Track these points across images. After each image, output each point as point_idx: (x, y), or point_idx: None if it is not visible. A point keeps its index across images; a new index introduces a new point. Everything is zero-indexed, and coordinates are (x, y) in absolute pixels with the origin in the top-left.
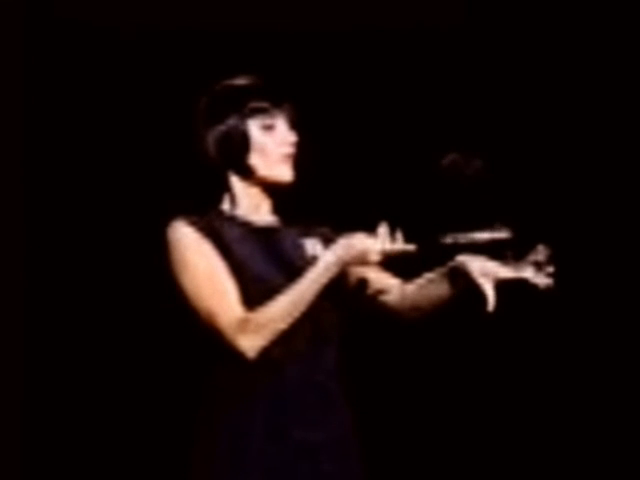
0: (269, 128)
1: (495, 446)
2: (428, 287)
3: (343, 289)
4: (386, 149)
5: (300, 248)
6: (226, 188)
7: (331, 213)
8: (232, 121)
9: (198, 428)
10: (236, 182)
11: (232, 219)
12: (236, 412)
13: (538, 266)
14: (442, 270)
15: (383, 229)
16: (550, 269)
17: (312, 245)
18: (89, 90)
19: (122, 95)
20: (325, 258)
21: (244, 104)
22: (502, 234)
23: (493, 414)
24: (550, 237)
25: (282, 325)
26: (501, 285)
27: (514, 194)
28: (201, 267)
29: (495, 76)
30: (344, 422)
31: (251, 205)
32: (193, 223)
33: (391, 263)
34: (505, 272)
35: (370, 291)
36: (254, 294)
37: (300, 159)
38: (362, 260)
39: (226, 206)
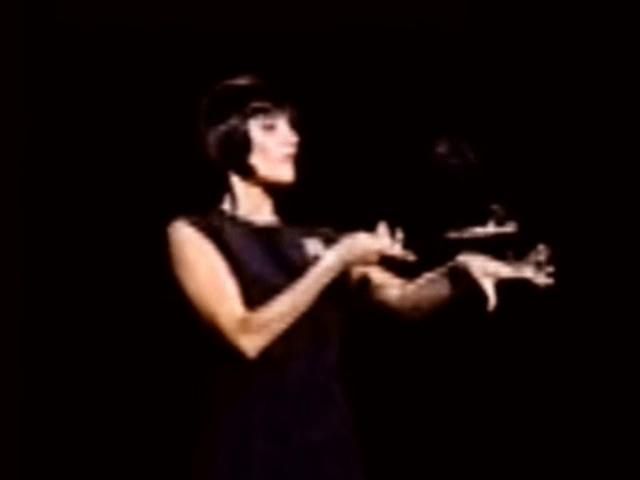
0: (270, 128)
1: (495, 446)
2: (429, 286)
3: (344, 288)
4: (387, 149)
5: (301, 248)
6: (227, 188)
7: (332, 213)
8: (233, 121)
9: (199, 427)
10: (237, 182)
11: (233, 219)
12: (237, 411)
13: (539, 266)
14: (443, 269)
15: (383, 228)
16: (550, 269)
17: (313, 245)
18: (90, 92)
19: (123, 96)
20: (327, 258)
21: (245, 104)
22: (507, 228)
23: (493, 414)
24: (551, 236)
25: (283, 325)
26: (502, 285)
27: (515, 194)
28: (202, 267)
29: (496, 76)
30: (345, 422)
31: (252, 205)
32: (194, 223)
33: (391, 263)
34: (506, 271)
35: (371, 290)
36: (255, 294)
37: (301, 159)
38: (364, 260)
39: (227, 206)
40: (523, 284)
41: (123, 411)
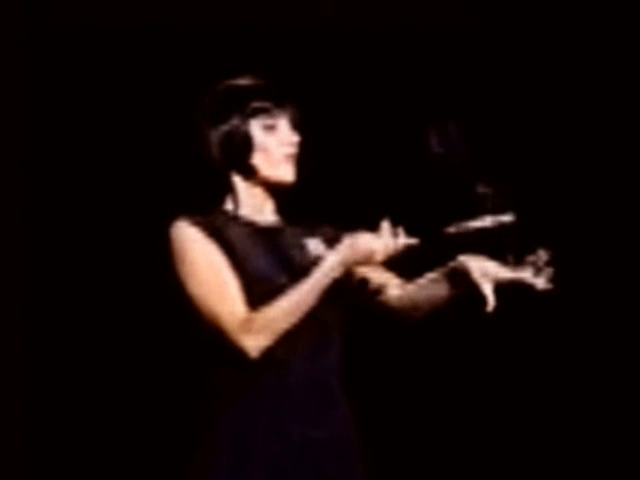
0: (271, 128)
1: (495, 446)
2: (429, 287)
3: (345, 288)
4: (387, 148)
5: (303, 248)
6: (229, 188)
7: (334, 213)
8: (234, 121)
9: (200, 426)
10: (239, 182)
11: (235, 219)
12: (238, 410)
13: (538, 269)
14: (443, 270)
15: (386, 225)
16: (550, 272)
17: (315, 245)
18: (90, 93)
19: (123, 97)
20: (330, 258)
21: (246, 104)
22: (504, 218)
23: (493, 414)
24: (551, 239)
25: (285, 325)
26: (501, 286)
27: (515, 196)
28: (204, 267)
29: (496, 75)
30: (346, 421)
31: (254, 205)
32: (196, 223)
33: (392, 263)
34: (505, 273)
35: (371, 290)
36: (257, 294)
37: (303, 159)
38: (367, 260)
39: (229, 206)
40: (522, 287)
41: (125, 411)
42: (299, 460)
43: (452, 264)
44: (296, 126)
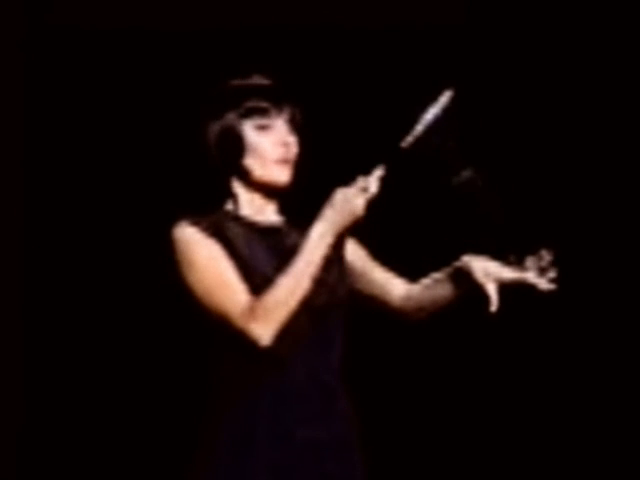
0: (265, 128)
1: (496, 447)
2: (433, 287)
3: (348, 289)
4: (388, 148)
5: None
6: (229, 188)
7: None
8: (228, 121)
9: (202, 425)
10: (237, 182)
11: (236, 219)
12: (241, 410)
13: (541, 270)
14: (446, 270)
15: (360, 178)
16: (553, 273)
17: None
18: (91, 93)
19: (123, 97)
20: (317, 228)
21: (240, 104)
22: (443, 100)
23: (495, 414)
24: (553, 240)
25: (289, 306)
26: (504, 287)
27: (517, 197)
28: (206, 264)
29: (497, 76)
30: (347, 422)
31: (255, 205)
32: (197, 223)
33: (393, 263)
34: (508, 274)
35: (375, 290)
36: (258, 294)
37: (305, 158)
38: (353, 215)
39: (230, 206)
40: (525, 287)
41: (127, 409)
42: (300, 460)
43: (456, 264)
44: (295, 127)
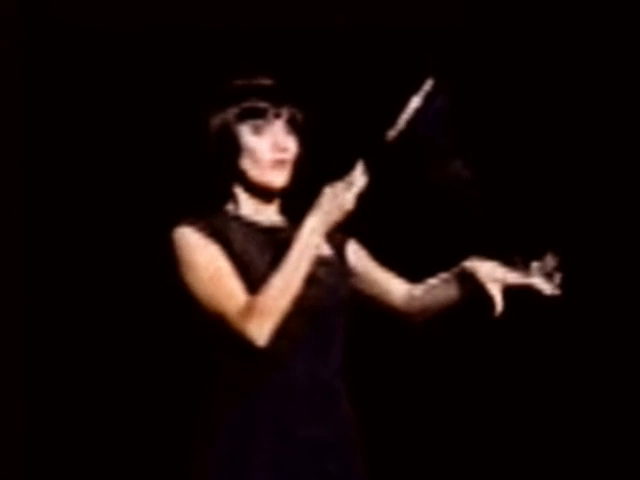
0: (261, 131)
1: (497, 448)
2: (437, 288)
3: (350, 289)
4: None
5: None
6: (229, 188)
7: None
8: (225, 122)
9: (202, 425)
10: (236, 183)
11: (237, 220)
12: (241, 409)
13: (547, 274)
14: (452, 272)
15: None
16: (558, 278)
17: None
18: (91, 92)
19: (123, 96)
20: (307, 225)
21: (239, 104)
22: (426, 89)
23: (495, 416)
24: (559, 245)
25: (284, 302)
26: (508, 290)
27: (524, 202)
28: (208, 268)
29: (498, 76)
30: (348, 421)
31: (255, 205)
32: (197, 224)
33: (395, 264)
34: (513, 278)
35: (377, 291)
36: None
37: (307, 159)
38: (342, 209)
39: (231, 206)
40: (530, 291)
41: (127, 409)
42: (301, 459)
43: (460, 266)
44: (295, 128)
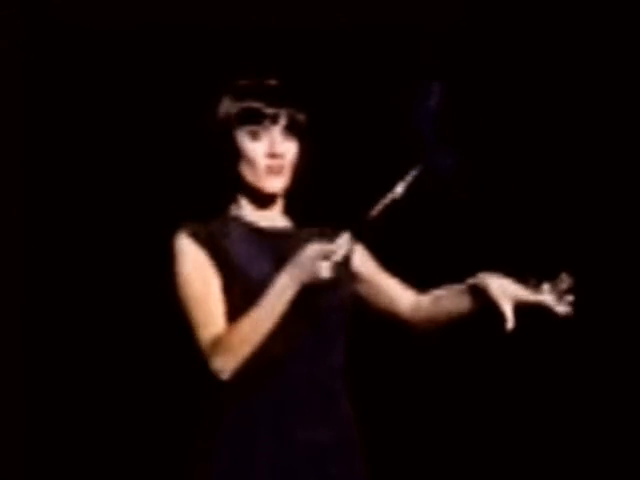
0: (257, 136)
1: (497, 449)
2: (446, 300)
3: (351, 291)
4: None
5: None
6: (231, 191)
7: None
8: (224, 126)
9: (202, 428)
10: (237, 186)
11: (239, 223)
12: (240, 412)
13: (559, 293)
14: (463, 285)
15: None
16: (571, 298)
17: None
18: (91, 91)
19: (124, 95)
20: (280, 280)
21: (239, 107)
22: (413, 174)
23: (496, 417)
24: (571, 264)
25: (249, 347)
26: (520, 307)
27: (537, 221)
28: (191, 282)
29: (499, 77)
30: (348, 423)
31: (256, 208)
32: (194, 233)
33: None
34: (525, 295)
35: (384, 300)
36: (254, 300)
37: (310, 159)
38: (314, 278)
39: (234, 209)
40: (541, 310)
41: (126, 412)
42: (301, 462)
43: (473, 280)
44: (295, 132)
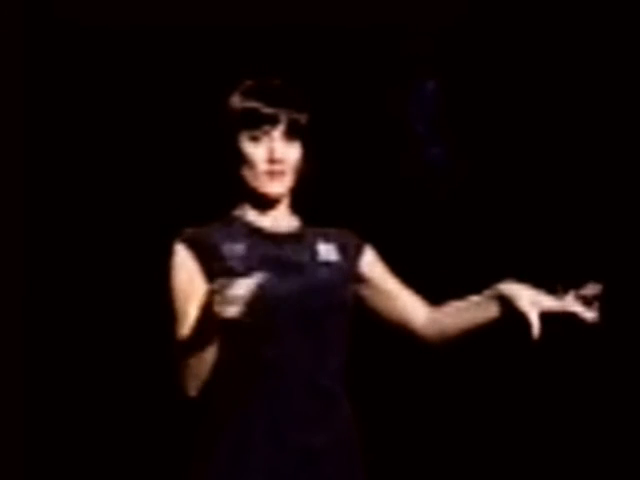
0: (257, 140)
1: (498, 450)
2: (464, 311)
3: (352, 293)
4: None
5: (314, 253)
6: (235, 193)
7: (354, 216)
8: (226, 131)
9: (199, 431)
10: (241, 188)
11: (243, 225)
12: (236, 415)
13: (586, 302)
14: (486, 294)
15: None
16: (597, 306)
17: (327, 251)
18: (91, 89)
19: (124, 94)
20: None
21: (239, 111)
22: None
23: (497, 418)
24: (598, 273)
25: (193, 369)
26: (546, 316)
27: (540, 224)
28: (175, 298)
29: (501, 77)
30: (347, 427)
31: (259, 211)
32: (190, 240)
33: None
34: (551, 303)
35: (394, 310)
36: (256, 305)
37: (314, 159)
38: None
39: (238, 211)
40: (568, 318)
41: (123, 414)
42: (297, 465)
43: (497, 289)
44: (297, 133)
